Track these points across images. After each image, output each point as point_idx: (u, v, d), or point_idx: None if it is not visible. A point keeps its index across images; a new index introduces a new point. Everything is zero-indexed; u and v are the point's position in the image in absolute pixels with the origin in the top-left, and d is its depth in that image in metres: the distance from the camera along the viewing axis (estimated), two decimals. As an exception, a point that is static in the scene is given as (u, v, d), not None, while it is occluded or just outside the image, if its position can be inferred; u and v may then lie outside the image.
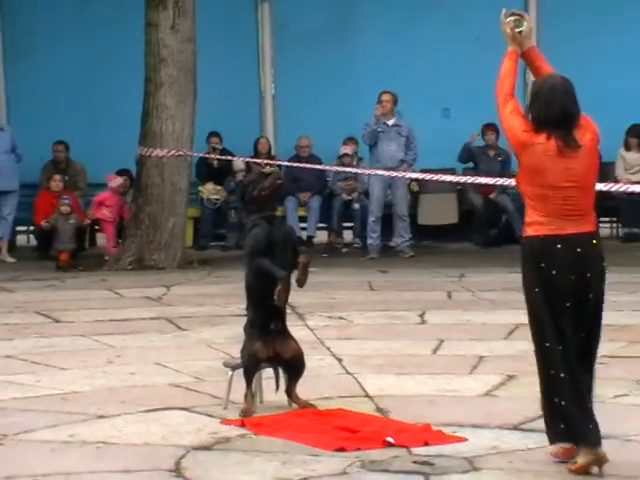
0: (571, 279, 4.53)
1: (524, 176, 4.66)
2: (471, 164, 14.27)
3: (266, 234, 5.73)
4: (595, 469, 4.54)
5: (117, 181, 13.48)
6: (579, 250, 4.54)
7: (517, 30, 4.81)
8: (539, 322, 4.58)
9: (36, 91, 14.99)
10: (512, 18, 4.83)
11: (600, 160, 4.75)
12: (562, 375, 4.52)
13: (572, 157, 4.55)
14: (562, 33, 14.71)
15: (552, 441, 4.66)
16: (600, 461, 4.52)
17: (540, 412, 5.55)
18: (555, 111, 4.57)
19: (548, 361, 4.56)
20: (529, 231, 4.62)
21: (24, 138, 13.67)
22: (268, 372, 5.90)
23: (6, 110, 15.28)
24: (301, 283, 5.73)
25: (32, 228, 14.28)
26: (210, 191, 14.20)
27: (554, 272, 4.51)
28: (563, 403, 4.51)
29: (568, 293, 4.53)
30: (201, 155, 13.59)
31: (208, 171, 14.21)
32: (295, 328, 6.32)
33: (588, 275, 4.56)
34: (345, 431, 5.25)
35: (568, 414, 4.51)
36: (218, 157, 13.93)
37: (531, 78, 5.04)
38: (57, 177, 13.55)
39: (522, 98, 16.04)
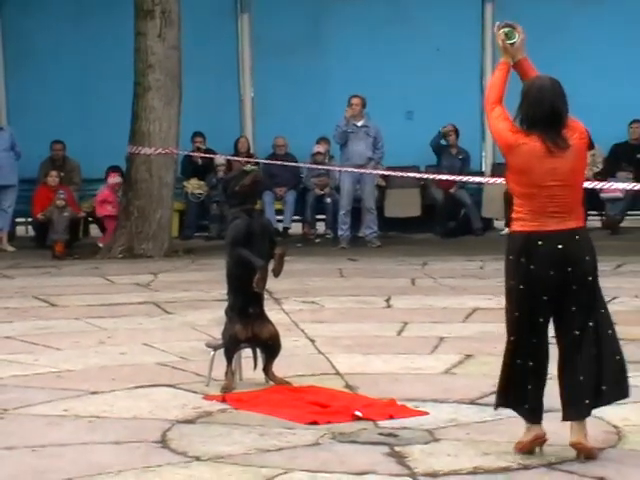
0: (549, 274, 4.31)
1: (511, 175, 4.47)
2: (434, 161, 14.30)
3: (246, 225, 5.72)
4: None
5: (116, 179, 13.39)
6: (560, 246, 4.32)
7: (509, 42, 4.57)
8: (514, 313, 4.41)
9: (34, 93, 14.88)
10: (504, 30, 4.58)
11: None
12: (530, 364, 4.39)
13: (559, 157, 4.34)
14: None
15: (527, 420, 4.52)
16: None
17: (493, 388, 5.58)
18: (544, 111, 4.35)
19: (517, 351, 4.40)
20: (514, 226, 4.43)
21: (23, 137, 13.58)
22: (247, 352, 5.88)
23: (6, 111, 15.17)
24: (277, 273, 5.72)
25: (30, 220, 14.20)
26: (194, 186, 14.14)
27: (532, 267, 4.32)
28: (529, 387, 4.41)
29: (547, 287, 4.33)
30: (186, 153, 13.54)
31: (192, 168, 14.18)
32: (272, 312, 6.31)
33: (569, 270, 4.32)
34: (317, 406, 5.24)
35: (529, 397, 4.42)
36: (202, 155, 13.88)
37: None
38: (53, 173, 13.49)
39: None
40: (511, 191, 4.52)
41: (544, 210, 4.35)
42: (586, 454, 4.35)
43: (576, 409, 4.38)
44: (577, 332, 4.36)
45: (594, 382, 4.37)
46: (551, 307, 4.38)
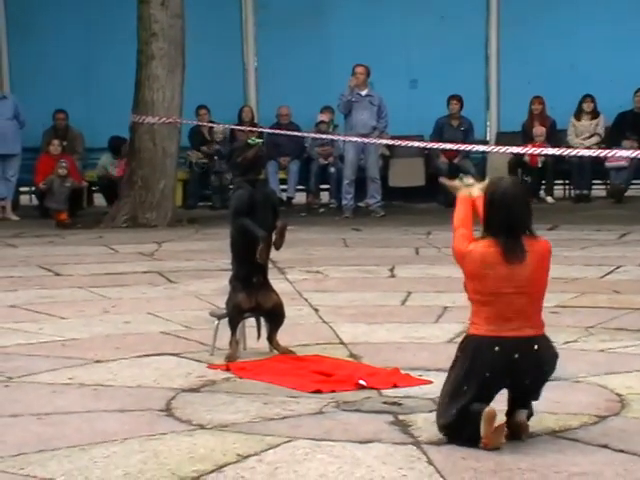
0: (506, 382, 4.15)
1: (468, 283, 4.27)
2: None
3: (248, 195, 5.71)
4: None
5: None
6: (516, 356, 4.08)
7: (465, 184, 4.49)
8: (462, 393, 4.16)
9: (37, 62, 14.86)
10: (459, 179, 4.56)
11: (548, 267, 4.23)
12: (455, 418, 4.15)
13: (517, 264, 4.12)
14: (520, 8, 14.66)
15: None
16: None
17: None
18: (503, 218, 4.15)
19: (466, 417, 4.14)
20: (471, 329, 4.21)
21: (26, 106, 13.57)
22: (251, 321, 5.89)
23: (9, 80, 15.14)
24: (278, 246, 5.72)
25: (34, 189, 14.21)
26: (198, 155, 14.13)
27: (487, 374, 4.11)
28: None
29: (499, 388, 4.20)
30: (190, 122, 13.52)
31: (199, 139, 14.18)
32: (276, 281, 6.31)
33: (526, 382, 4.15)
34: (321, 375, 5.25)
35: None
36: (207, 124, 13.86)
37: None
38: (55, 142, 13.49)
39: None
40: (468, 297, 4.29)
41: (501, 316, 4.13)
42: (526, 434, 4.24)
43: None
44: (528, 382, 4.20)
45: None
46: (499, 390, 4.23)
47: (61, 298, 7.62)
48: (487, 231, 4.22)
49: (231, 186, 6.06)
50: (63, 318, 6.89)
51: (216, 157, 13.53)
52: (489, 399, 4.19)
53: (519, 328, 4.12)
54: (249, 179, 5.78)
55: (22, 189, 14.48)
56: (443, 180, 4.73)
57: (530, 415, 4.28)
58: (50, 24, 14.86)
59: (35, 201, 14.16)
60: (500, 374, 4.12)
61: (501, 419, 4.22)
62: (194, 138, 14.14)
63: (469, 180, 4.52)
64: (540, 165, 14.04)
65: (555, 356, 4.22)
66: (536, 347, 4.13)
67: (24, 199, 14.81)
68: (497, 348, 4.10)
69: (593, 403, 4.74)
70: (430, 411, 4.63)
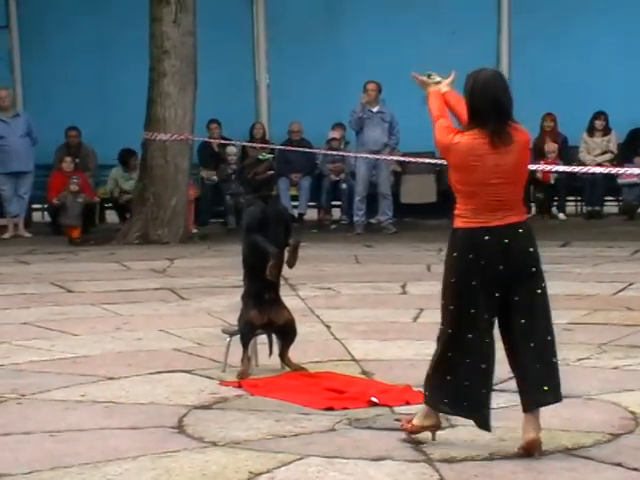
0: (499, 269, 4.24)
1: (454, 174, 4.36)
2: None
3: (260, 212, 5.72)
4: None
5: None
6: (506, 241, 4.25)
7: (431, 80, 4.64)
8: (455, 308, 4.28)
9: (50, 80, 14.93)
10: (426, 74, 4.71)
11: (530, 154, 4.46)
12: (467, 361, 4.29)
13: (503, 153, 4.24)
14: (532, 24, 14.68)
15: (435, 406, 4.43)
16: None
17: (509, 374, 5.58)
18: (489, 104, 4.26)
19: (451, 345, 4.29)
20: (458, 222, 4.32)
21: (39, 123, 13.63)
22: (262, 338, 5.89)
23: (22, 97, 15.22)
24: (291, 264, 5.72)
25: (46, 206, 14.26)
26: (209, 173, 14.17)
27: (483, 262, 4.23)
28: (458, 382, 4.30)
29: (498, 283, 4.25)
30: (201, 139, 13.55)
31: (209, 156, 14.19)
32: (288, 298, 6.32)
33: (517, 264, 4.26)
34: (333, 392, 5.25)
35: (460, 393, 4.31)
36: (218, 141, 13.89)
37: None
38: (68, 159, 13.56)
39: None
40: (453, 188, 4.42)
41: (487, 207, 4.27)
42: (540, 450, 4.21)
43: (536, 398, 4.26)
44: (523, 321, 4.28)
45: (548, 374, 4.27)
46: (498, 303, 4.29)
47: (73, 315, 7.63)
48: (473, 122, 4.30)
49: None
50: (75, 335, 6.90)
51: (232, 176, 13.42)
52: (490, 297, 4.23)
53: (505, 217, 4.28)
54: (261, 195, 5.79)
55: (35, 206, 14.53)
56: (413, 74, 4.92)
57: (546, 400, 4.25)
58: (63, 42, 14.94)
59: (47, 218, 14.21)
60: (493, 260, 4.25)
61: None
62: (203, 156, 14.14)
63: (437, 77, 4.71)
64: (552, 182, 14.03)
65: (535, 241, 4.37)
66: (521, 230, 4.31)
67: (36, 216, 14.86)
68: (487, 237, 4.26)
69: (606, 421, 4.72)
70: (442, 428, 4.63)
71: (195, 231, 12.98)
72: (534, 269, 4.33)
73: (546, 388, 4.27)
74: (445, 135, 4.37)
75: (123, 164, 13.94)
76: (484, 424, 4.32)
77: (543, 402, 4.29)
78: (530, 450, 4.22)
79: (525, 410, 4.30)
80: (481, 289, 4.25)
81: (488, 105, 4.28)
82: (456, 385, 4.32)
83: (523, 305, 4.29)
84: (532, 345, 4.28)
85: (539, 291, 4.32)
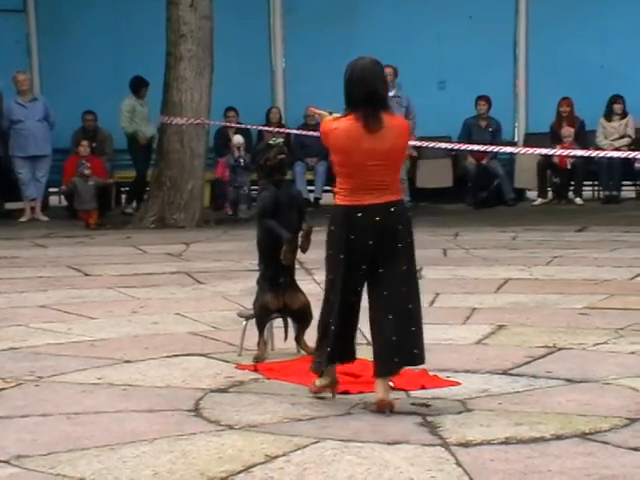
0: (368, 243, 4.59)
1: (334, 156, 4.73)
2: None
3: (273, 197, 5.71)
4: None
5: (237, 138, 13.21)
6: (377, 219, 4.59)
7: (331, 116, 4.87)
8: (333, 280, 4.67)
9: (67, 64, 14.95)
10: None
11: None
12: (335, 325, 4.69)
13: (377, 137, 4.57)
14: (550, 9, 14.60)
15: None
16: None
17: (525, 359, 5.58)
18: (363, 90, 4.59)
19: (327, 312, 4.73)
20: (337, 199, 4.68)
21: (56, 107, 13.64)
22: (278, 322, 5.89)
23: (39, 81, 15.24)
24: (304, 249, 5.70)
25: (63, 188, 14.29)
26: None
27: (352, 237, 4.60)
28: (333, 328, 4.71)
29: (365, 256, 4.60)
30: (218, 123, 13.53)
31: (224, 144, 14.16)
32: (303, 282, 6.30)
33: (384, 238, 4.60)
34: (349, 375, 5.24)
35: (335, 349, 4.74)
36: (235, 125, 13.87)
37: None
38: (84, 143, 13.53)
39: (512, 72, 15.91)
40: (334, 169, 4.78)
41: (363, 187, 4.60)
42: (390, 408, 4.62)
43: (387, 366, 4.67)
44: (386, 293, 4.63)
45: (405, 342, 4.65)
46: (367, 274, 4.65)
47: (90, 298, 7.65)
48: (349, 107, 4.65)
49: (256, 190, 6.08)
50: (92, 318, 6.92)
51: (237, 169, 13.22)
52: (357, 269, 4.61)
53: (379, 196, 4.62)
54: (274, 180, 5.78)
55: (51, 190, 14.56)
56: (312, 108, 5.25)
57: (392, 371, 4.70)
58: (79, 26, 14.95)
59: (64, 202, 14.24)
60: (363, 235, 4.59)
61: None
62: (218, 140, 14.11)
63: (336, 114, 4.91)
64: (569, 166, 13.97)
65: (409, 218, 4.72)
66: (392, 209, 4.63)
67: (53, 200, 14.90)
68: (360, 214, 4.61)
69: (623, 405, 4.70)
70: (459, 412, 4.62)
71: (230, 213, 12.92)
72: (400, 245, 4.62)
73: (397, 359, 4.66)
74: (328, 124, 4.72)
75: (134, 92, 13.84)
76: (349, 357, 4.83)
77: (393, 371, 4.72)
78: (381, 408, 4.60)
79: (375, 375, 4.67)
80: (352, 261, 4.61)
81: (362, 92, 4.60)
82: (330, 343, 4.74)
83: (386, 278, 4.62)
84: (390, 317, 4.63)
85: (404, 267, 4.63)
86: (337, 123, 4.65)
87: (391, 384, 5.05)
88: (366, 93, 4.59)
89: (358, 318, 4.80)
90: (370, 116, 4.57)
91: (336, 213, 4.69)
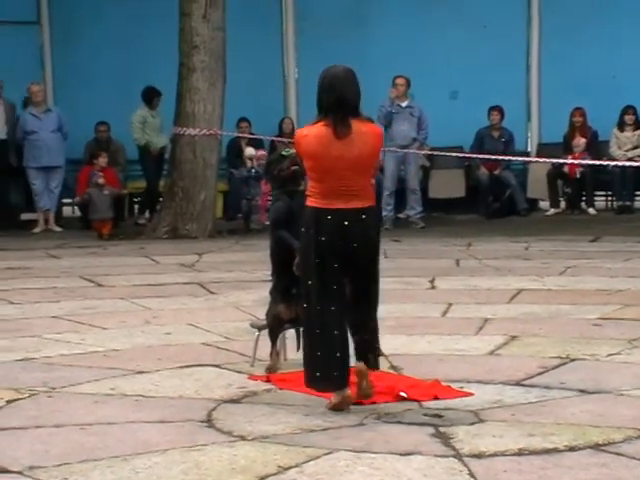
0: (338, 244, 4.68)
1: (305, 162, 4.82)
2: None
3: (286, 207, 5.71)
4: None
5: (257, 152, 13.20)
6: (346, 223, 4.69)
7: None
8: (309, 284, 4.75)
9: (80, 75, 15.00)
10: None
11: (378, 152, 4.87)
12: (336, 332, 4.71)
13: (347, 144, 4.66)
14: (562, 18, 14.60)
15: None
16: (347, 402, 4.79)
17: (539, 369, 5.56)
18: (333, 97, 4.70)
19: (312, 320, 4.76)
20: (309, 201, 4.78)
21: (69, 118, 13.69)
22: (291, 332, 5.89)
23: (53, 92, 15.31)
24: None
25: (77, 199, 14.33)
26: (237, 171, 14.13)
27: (323, 238, 4.70)
28: (337, 355, 4.73)
29: (335, 255, 4.69)
30: (231, 134, 13.56)
31: (237, 155, 14.18)
32: (316, 292, 6.30)
33: (355, 245, 4.69)
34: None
35: (339, 364, 4.75)
36: (247, 135, 13.89)
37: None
38: (104, 154, 13.43)
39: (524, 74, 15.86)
40: (307, 174, 4.88)
41: (332, 192, 4.70)
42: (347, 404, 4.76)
43: (372, 359, 4.85)
44: (354, 294, 4.78)
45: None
46: (341, 274, 4.73)
47: (103, 309, 7.67)
48: (321, 114, 4.76)
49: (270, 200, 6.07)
50: (105, 329, 6.93)
51: (249, 180, 13.17)
52: (330, 268, 4.69)
53: (348, 202, 4.71)
54: (287, 191, 5.78)
55: (65, 201, 14.61)
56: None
57: (376, 366, 4.85)
58: (93, 38, 15.01)
59: (78, 213, 14.28)
60: (333, 237, 4.69)
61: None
62: (231, 151, 14.13)
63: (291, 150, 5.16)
64: (578, 176, 13.95)
65: (378, 227, 4.89)
66: (363, 216, 4.73)
67: (67, 210, 14.95)
68: (329, 217, 4.71)
69: (637, 416, 4.68)
70: (471, 423, 4.61)
71: (267, 223, 12.88)
72: (370, 253, 4.77)
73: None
74: (298, 131, 4.90)
75: (147, 102, 13.88)
76: (338, 386, 4.76)
77: (377, 366, 4.92)
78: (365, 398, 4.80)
79: (365, 364, 4.82)
80: (325, 262, 4.69)
81: (333, 99, 4.71)
82: (314, 356, 4.77)
83: (357, 280, 4.76)
84: (358, 316, 4.82)
85: (374, 277, 4.82)
86: (308, 130, 4.77)
87: (404, 394, 5.05)
88: (336, 99, 4.70)
89: (346, 333, 4.79)
90: (339, 122, 4.67)
91: (307, 215, 4.79)
